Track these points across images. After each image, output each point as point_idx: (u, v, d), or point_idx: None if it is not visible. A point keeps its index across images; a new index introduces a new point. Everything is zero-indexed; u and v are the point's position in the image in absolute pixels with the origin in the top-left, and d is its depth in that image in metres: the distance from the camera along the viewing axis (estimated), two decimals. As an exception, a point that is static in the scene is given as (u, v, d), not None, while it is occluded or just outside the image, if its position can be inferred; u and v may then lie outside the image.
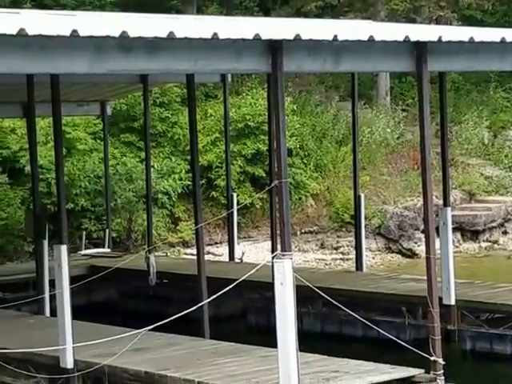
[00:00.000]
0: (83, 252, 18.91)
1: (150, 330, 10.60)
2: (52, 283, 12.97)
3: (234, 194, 18.35)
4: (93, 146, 21.89)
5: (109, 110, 19.25)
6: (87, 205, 21.29)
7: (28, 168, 19.59)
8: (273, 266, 13.31)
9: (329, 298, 10.65)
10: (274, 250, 15.16)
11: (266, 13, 27.68)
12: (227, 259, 18.26)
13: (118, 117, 22.42)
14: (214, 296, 10.48)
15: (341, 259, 22.78)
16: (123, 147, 22.89)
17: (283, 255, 8.97)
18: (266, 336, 11.74)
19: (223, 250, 20.42)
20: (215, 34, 7.95)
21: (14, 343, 11.35)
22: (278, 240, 14.89)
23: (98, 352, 10.72)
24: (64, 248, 11.00)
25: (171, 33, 7.75)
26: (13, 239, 20.67)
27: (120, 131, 22.98)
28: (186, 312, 10.25)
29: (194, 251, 20.73)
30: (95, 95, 18.01)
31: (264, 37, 8.33)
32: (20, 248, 20.78)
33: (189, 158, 22.74)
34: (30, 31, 7.35)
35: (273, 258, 9.51)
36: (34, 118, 14.65)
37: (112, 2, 25.72)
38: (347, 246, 22.95)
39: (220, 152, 22.35)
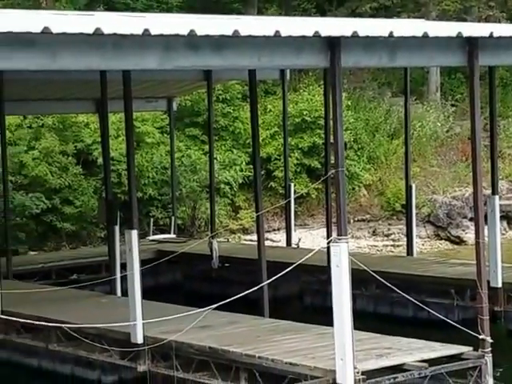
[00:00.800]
0: (151, 238, 19.07)
1: (213, 309, 10.68)
2: (123, 266, 13.17)
3: (292, 184, 18.34)
4: (160, 139, 22.06)
5: (175, 106, 19.34)
6: (154, 194, 21.51)
7: (100, 160, 19.86)
8: (328, 251, 13.39)
9: (382, 280, 10.69)
10: (328, 236, 15.21)
11: (323, 14, 27.57)
12: (284, 245, 18.28)
13: (183, 112, 22.59)
14: (273, 278, 10.55)
15: (392, 245, 22.74)
16: (188, 140, 23.05)
17: (339, 239, 8.98)
18: (321, 316, 11.75)
19: (281, 236, 20.46)
20: (277, 31, 7.98)
21: (88, 320, 11.51)
22: (333, 227, 15.07)
23: (166, 329, 10.80)
24: (135, 233, 11.10)
25: (236, 31, 7.81)
26: (86, 225, 20.95)
27: (185, 126, 23.13)
28: (247, 292, 10.34)
29: (253, 237, 20.93)
30: (162, 92, 18.15)
31: (323, 34, 8.35)
32: (93, 234, 21.08)
33: (249, 150, 22.87)
34: (106, 30, 7.48)
35: (329, 242, 9.54)
36: (107, 114, 14.79)
37: (178, 5, 25.86)
38: (398, 233, 22.90)
39: (278, 145, 22.40)
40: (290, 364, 9.53)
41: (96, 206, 20.91)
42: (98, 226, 20.93)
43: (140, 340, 10.82)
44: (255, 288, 10.84)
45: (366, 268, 10.07)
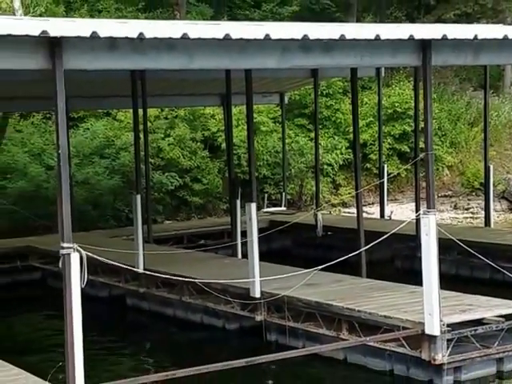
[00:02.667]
0: (265, 210, 19.13)
1: (319, 270, 10.65)
2: (242, 233, 13.32)
3: (385, 166, 18.15)
4: (273, 128, 22.13)
5: (286, 100, 19.32)
6: (268, 174, 21.64)
7: (223, 145, 20.07)
8: (417, 222, 13.29)
9: (464, 247, 10.52)
10: (417, 209, 15.03)
11: (411, 21, 27.14)
12: (378, 217, 18.16)
13: (292, 105, 22.57)
14: (370, 244, 10.49)
15: (471, 218, 22.40)
16: (296, 129, 23.05)
17: (428, 212, 8.88)
18: (409, 277, 11.69)
19: (375, 209, 20.31)
20: (378, 35, 7.93)
21: (214, 277, 11.63)
22: (420, 202, 14.91)
23: (279, 286, 10.82)
24: (254, 205, 11.14)
25: (342, 35, 7.79)
26: (211, 199, 21.19)
27: (294, 116, 23.12)
28: (348, 256, 10.31)
29: (351, 210, 20.86)
30: (276, 88, 18.15)
31: (417, 37, 8.27)
32: (217, 206, 21.29)
33: (348, 137, 22.76)
34: (233, 36, 7.54)
35: (418, 215, 9.44)
36: (231, 106, 14.91)
37: (288, 15, 25.81)
38: (476, 207, 22.55)
39: (373, 132, 22.20)
40: (385, 317, 9.47)
41: (220, 183, 21.10)
42: (221, 200, 21.14)
43: (258, 294, 10.89)
44: (355, 253, 10.80)
45: (450, 236, 9.95)
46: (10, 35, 6.64)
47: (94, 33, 6.92)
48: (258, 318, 11.00)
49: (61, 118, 7.26)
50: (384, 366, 9.53)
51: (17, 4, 15.78)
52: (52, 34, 6.80)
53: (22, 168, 19.00)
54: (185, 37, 7.27)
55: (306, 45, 8.00)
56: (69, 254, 7.36)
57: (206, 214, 20.98)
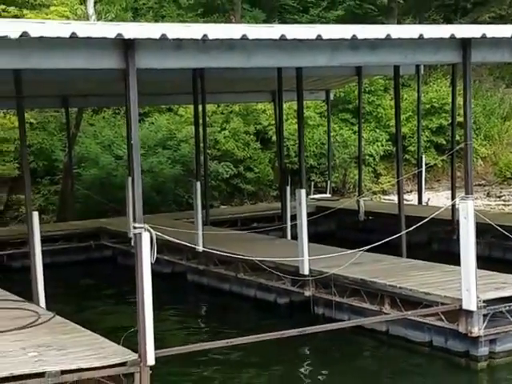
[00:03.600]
0: (311, 197, 19.04)
1: (364, 251, 10.68)
2: (291, 217, 13.31)
3: (423, 156, 17.99)
4: (319, 122, 22.09)
5: (332, 96, 19.25)
6: (314, 163, 21.63)
7: (274, 138, 20.13)
8: (453, 208, 13.16)
9: (499, 229, 10.42)
10: (453, 197, 14.86)
11: (449, 23, 26.77)
12: (416, 203, 18.03)
13: (337, 101, 22.45)
14: (411, 228, 10.45)
15: (503, 205, 22.03)
16: (341, 123, 22.95)
17: (466, 197, 8.85)
18: (446, 258, 11.57)
19: (413, 197, 20.12)
20: (421, 34, 7.87)
21: (267, 256, 11.57)
22: (455, 190, 14.75)
23: (326, 264, 10.84)
24: (303, 191, 11.15)
25: (388, 35, 7.75)
26: (262, 187, 21.29)
27: (339, 111, 23.02)
28: (390, 238, 10.26)
29: (391, 197, 20.77)
30: (322, 85, 18.03)
31: (458, 36, 8.20)
32: (267, 193, 21.38)
33: (388, 130, 22.62)
34: (288, 36, 7.55)
35: (455, 201, 9.37)
36: (282, 102, 14.93)
37: (334, 19, 25.66)
38: (508, 195, 22.18)
39: (412, 126, 22.02)
40: (425, 293, 9.45)
41: (270, 172, 21.23)
42: (271, 187, 21.25)
43: (306, 272, 10.92)
44: (396, 235, 10.78)
45: (486, 219, 9.87)
46: (89, 37, 6.78)
47: (163, 35, 7.02)
48: (307, 293, 11.04)
49: (133, 111, 7.40)
50: (423, 337, 9.51)
51: (90, 11, 16.02)
52: (126, 36, 6.93)
53: (94, 157, 19.30)
54: (244, 38, 7.31)
55: (354, 44, 7.97)
56: (140, 234, 7.47)
57: (258, 200, 21.08)
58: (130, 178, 14.70)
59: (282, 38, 7.47)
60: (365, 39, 7.79)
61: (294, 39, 7.57)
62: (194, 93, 14.07)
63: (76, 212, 17.67)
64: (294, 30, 7.70)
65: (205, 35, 7.15)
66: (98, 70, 9.87)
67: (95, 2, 16.50)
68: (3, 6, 15.36)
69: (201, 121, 15.30)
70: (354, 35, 7.67)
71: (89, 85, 14.56)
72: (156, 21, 22.08)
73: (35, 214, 9.80)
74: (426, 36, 7.93)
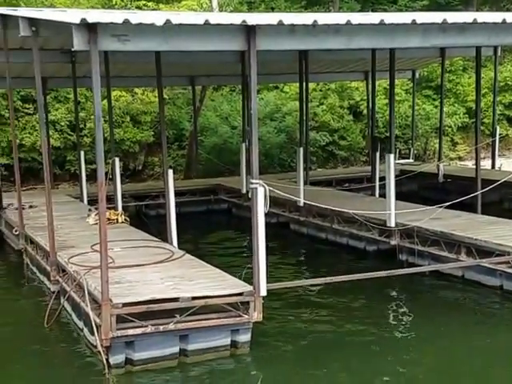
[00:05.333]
0: (396, 161, 18.68)
1: (443, 208, 10.56)
2: (381, 179, 13.17)
3: (497, 127, 17.31)
4: (405, 97, 21.52)
5: (417, 75, 18.79)
6: (399, 133, 21.15)
7: (364, 111, 19.85)
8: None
9: None
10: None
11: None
12: (489, 168, 17.46)
13: (421, 79, 21.86)
14: (486, 189, 10.20)
15: None
16: (423, 98, 22.30)
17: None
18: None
19: (486, 162, 19.40)
20: (504, 19, 7.59)
21: (358, 209, 11.53)
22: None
23: (410, 218, 10.74)
24: (391, 156, 11.02)
25: (475, 19, 7.52)
26: (353, 153, 21.08)
27: (422, 88, 22.38)
28: (468, 197, 10.17)
29: (466, 163, 20.18)
30: (409, 65, 17.66)
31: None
32: (358, 158, 21.15)
33: (465, 105, 21.85)
34: (387, 21, 7.38)
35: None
36: (374, 80, 14.66)
37: (419, 9, 24.80)
38: None
39: (487, 101, 21.10)
40: (498, 244, 9.27)
41: (360, 140, 21.01)
42: (360, 153, 21.01)
43: (393, 224, 10.83)
44: (473, 194, 10.54)
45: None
46: (219, 24, 6.91)
47: (280, 21, 7.06)
48: (393, 242, 10.97)
49: (253, 87, 7.46)
50: (495, 282, 9.33)
51: (214, 4, 16.19)
52: (249, 23, 7.00)
53: (214, 128, 19.59)
54: (348, 23, 7.27)
55: (444, 27, 7.76)
56: (256, 188, 7.63)
57: (349, 164, 20.87)
58: (243, 145, 14.92)
59: (381, 23, 7.38)
60: (454, 23, 7.58)
61: (391, 24, 7.45)
62: (299, 73, 14.02)
63: (199, 172, 18.10)
64: (391, 16, 7.57)
65: (315, 21, 7.14)
66: (219, 54, 10.03)
67: (217, -3, 16.64)
68: (144, 1, 15.73)
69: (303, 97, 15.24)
70: (444, 19, 7.47)
71: (211, 67, 14.81)
72: (267, 12, 22.04)
73: (170, 172, 10.09)
74: (508, 20, 7.66)
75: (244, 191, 14.83)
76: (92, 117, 17.94)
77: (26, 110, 17.76)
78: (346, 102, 21.36)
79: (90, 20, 6.46)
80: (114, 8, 16.22)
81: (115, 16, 6.69)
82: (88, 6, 16.96)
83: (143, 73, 14.68)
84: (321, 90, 21.60)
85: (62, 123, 17.92)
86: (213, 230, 15.09)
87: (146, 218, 14.71)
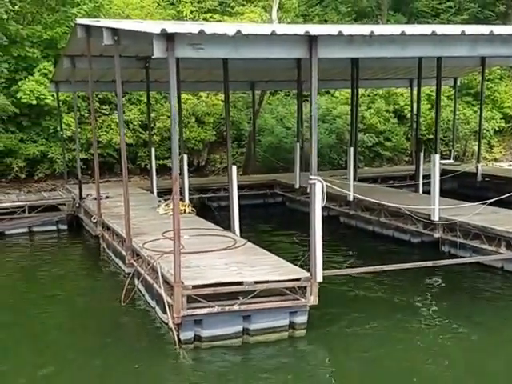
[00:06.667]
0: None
1: (482, 204, 10.23)
2: (424, 177, 12.90)
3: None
4: (447, 103, 20.92)
5: (458, 83, 18.27)
6: (441, 136, 20.29)
7: (408, 115, 19.45)
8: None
9: None
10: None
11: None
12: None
13: (462, 87, 21.29)
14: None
15: None
16: (464, 104, 21.72)
17: None
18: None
19: (522, 163, 18.90)
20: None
21: (403, 204, 11.35)
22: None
23: (453, 213, 10.48)
24: (437, 155, 10.72)
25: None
26: (397, 153, 20.71)
27: (462, 95, 21.80)
28: (506, 196, 9.76)
29: (502, 164, 19.56)
30: (450, 74, 17.18)
31: None
32: (401, 158, 20.74)
33: (502, 111, 21.19)
34: (438, 32, 7.18)
35: None
36: (419, 88, 14.10)
37: (459, 23, 24.07)
38: None
39: (523, 107, 20.50)
40: (537, 239, 8.93)
41: (404, 142, 20.59)
42: (404, 153, 20.60)
43: (437, 218, 10.60)
44: (510, 194, 10.15)
45: None
46: (285, 34, 6.81)
47: (339, 32, 6.92)
48: (436, 235, 10.74)
49: (314, 91, 7.38)
50: (535, 274, 9.00)
51: (274, 16, 16.09)
52: (312, 33, 6.90)
53: (270, 128, 19.53)
54: (403, 34, 7.11)
55: (490, 38, 7.52)
56: (314, 184, 7.51)
57: (393, 164, 20.53)
58: (297, 144, 14.79)
59: (433, 34, 7.18)
60: (499, 34, 7.31)
61: (442, 34, 7.22)
62: (351, 79, 13.79)
63: (256, 168, 18.07)
64: (442, 28, 7.32)
65: (372, 32, 6.98)
66: (277, 62, 9.89)
67: (276, 10, 16.50)
68: (211, 14, 15.74)
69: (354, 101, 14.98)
70: (491, 31, 7.23)
71: (270, 73, 14.71)
72: (321, 24, 21.79)
73: (234, 168, 10.07)
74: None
75: (297, 186, 14.71)
76: (161, 117, 18.12)
77: (102, 111, 18.08)
78: (392, 107, 21.01)
79: (170, 30, 6.46)
80: (183, 20, 16.30)
81: (191, 27, 6.68)
82: (160, 18, 17.09)
83: (208, 78, 14.71)
84: (369, 95, 21.31)
85: (135, 123, 18.16)
86: (268, 220, 15.03)
87: (214, 209, 14.74)
